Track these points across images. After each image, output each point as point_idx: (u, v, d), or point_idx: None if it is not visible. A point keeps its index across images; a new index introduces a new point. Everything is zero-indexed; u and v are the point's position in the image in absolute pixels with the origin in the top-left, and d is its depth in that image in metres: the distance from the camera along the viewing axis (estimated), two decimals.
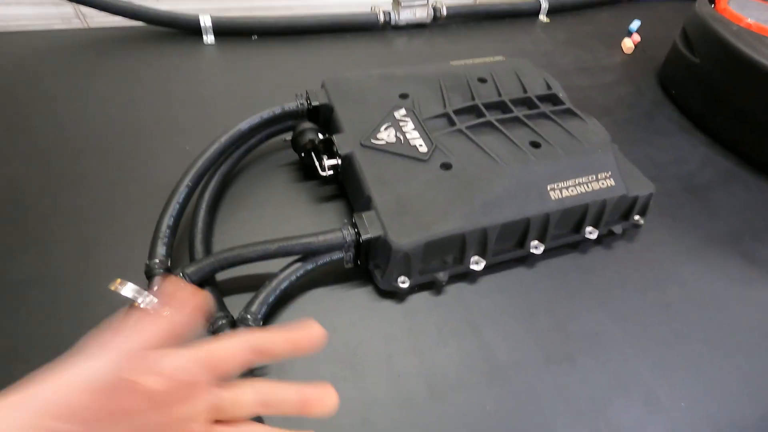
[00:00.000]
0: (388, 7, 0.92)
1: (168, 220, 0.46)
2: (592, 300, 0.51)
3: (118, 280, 0.39)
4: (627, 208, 0.54)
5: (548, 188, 0.50)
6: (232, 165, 0.56)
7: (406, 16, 0.92)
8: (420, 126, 0.55)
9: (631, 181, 0.54)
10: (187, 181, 0.49)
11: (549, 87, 0.62)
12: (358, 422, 0.40)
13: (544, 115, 0.57)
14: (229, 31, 0.82)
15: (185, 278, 0.42)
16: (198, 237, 0.49)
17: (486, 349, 0.46)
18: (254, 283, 0.46)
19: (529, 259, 0.53)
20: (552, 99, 0.61)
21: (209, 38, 0.82)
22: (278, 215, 0.55)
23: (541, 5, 1.03)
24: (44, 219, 0.51)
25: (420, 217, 0.46)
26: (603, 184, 0.52)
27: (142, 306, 0.39)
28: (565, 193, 0.50)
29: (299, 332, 0.26)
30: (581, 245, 0.55)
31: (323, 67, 0.79)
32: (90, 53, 0.76)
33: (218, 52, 0.80)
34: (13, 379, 0.40)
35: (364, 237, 0.44)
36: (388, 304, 0.48)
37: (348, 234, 0.45)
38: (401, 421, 0.40)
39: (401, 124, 0.55)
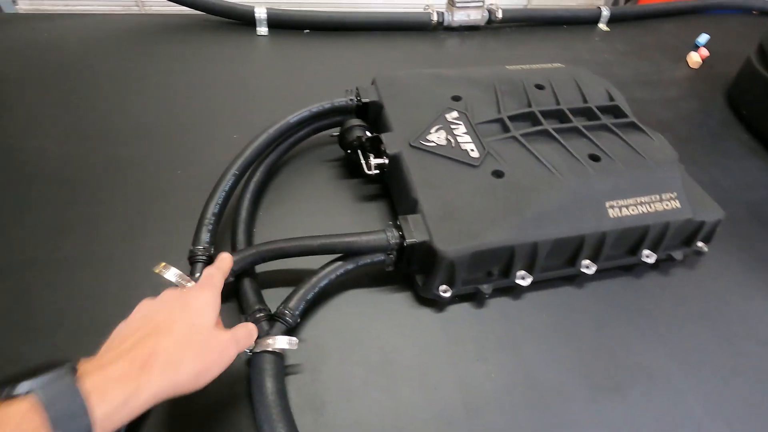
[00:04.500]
0: (442, 8, 0.90)
1: (213, 207, 0.46)
2: (645, 328, 0.47)
3: (162, 264, 0.39)
4: (691, 233, 0.50)
5: (607, 205, 0.47)
6: (277, 157, 0.56)
7: (459, 17, 0.89)
8: (472, 130, 0.53)
9: (697, 204, 0.50)
10: (234, 169, 0.49)
11: (611, 98, 0.59)
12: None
13: (605, 127, 0.54)
14: (282, 24, 0.83)
15: None
16: (240, 227, 0.48)
17: (527, 369, 0.43)
18: (292, 278, 0.46)
19: (578, 279, 0.50)
20: (614, 111, 0.57)
21: (262, 30, 0.82)
22: (319, 211, 0.54)
23: (601, 13, 0.99)
24: (93, 199, 0.52)
25: (468, 225, 0.44)
26: (667, 205, 0.48)
27: None
28: (624, 211, 0.47)
29: None
30: (636, 269, 0.52)
31: (373, 65, 0.78)
32: (146, 39, 0.78)
33: (270, 44, 0.80)
34: (58, 348, 0.40)
35: (408, 241, 0.43)
36: (426, 313, 0.46)
37: (392, 236, 0.43)
38: None
39: (453, 126, 0.53)
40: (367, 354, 0.43)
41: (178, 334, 0.30)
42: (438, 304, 0.47)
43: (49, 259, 0.46)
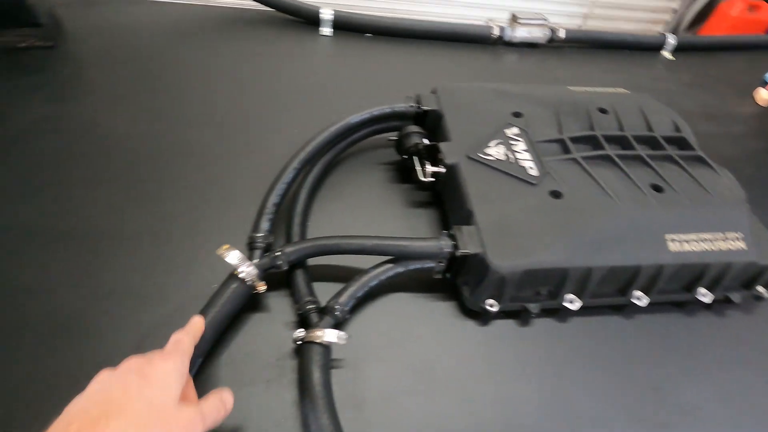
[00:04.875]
0: (504, 23, 0.90)
1: (274, 198, 0.48)
2: (694, 368, 0.46)
3: (226, 246, 0.41)
4: (752, 276, 0.48)
5: (667, 238, 0.46)
6: (335, 155, 0.58)
7: (521, 33, 0.89)
8: (532, 148, 0.52)
9: (763, 248, 0.48)
10: (296, 164, 0.51)
11: (677, 129, 0.57)
12: None
13: (669, 159, 0.53)
14: (346, 26, 0.85)
15: (283, 257, 0.43)
16: (296, 220, 0.50)
17: (568, 395, 0.42)
18: (338, 274, 0.47)
19: (627, 309, 0.49)
20: (680, 142, 0.56)
21: (326, 30, 0.84)
22: (371, 212, 0.55)
23: (666, 40, 0.97)
24: (160, 178, 0.55)
25: (522, 242, 0.44)
26: (731, 245, 0.46)
27: (242, 276, 0.41)
28: (686, 246, 0.45)
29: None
30: (689, 306, 0.50)
31: (431, 73, 0.79)
32: (219, 30, 0.81)
33: (333, 44, 0.83)
34: (123, 314, 0.42)
35: (461, 251, 0.43)
36: (470, 324, 0.46)
37: (445, 245, 0.44)
38: None
39: (512, 142, 0.53)
40: (409, 359, 0.43)
41: (132, 415, 0.27)
42: (482, 318, 0.46)
43: (116, 230, 0.49)
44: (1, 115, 0.58)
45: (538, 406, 0.41)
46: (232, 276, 0.41)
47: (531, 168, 0.50)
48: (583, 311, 0.47)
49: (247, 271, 0.41)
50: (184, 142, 0.59)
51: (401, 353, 0.43)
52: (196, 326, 0.36)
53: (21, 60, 0.67)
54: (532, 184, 0.49)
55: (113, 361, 0.34)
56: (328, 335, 0.39)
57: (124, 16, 0.80)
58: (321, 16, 0.83)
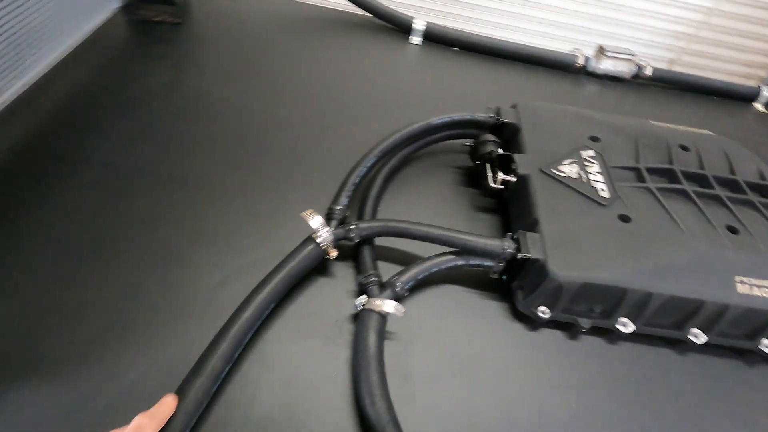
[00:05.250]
0: (590, 53, 0.91)
1: (354, 178, 0.52)
2: (747, 422, 0.44)
3: (310, 210, 0.46)
4: None
5: (737, 279, 0.45)
6: (411, 151, 0.61)
7: (606, 65, 0.90)
8: (606, 172, 0.53)
9: None
10: (377, 151, 0.55)
11: (763, 177, 0.56)
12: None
13: (750, 204, 0.52)
14: (435, 38, 0.89)
15: (356, 231, 0.47)
16: (369, 202, 0.54)
17: (604, 418, 0.42)
18: (400, 258, 0.50)
19: (682, 345, 0.48)
20: (763, 190, 0.55)
21: (416, 39, 0.89)
22: (436, 208, 0.58)
23: (760, 92, 0.93)
24: (257, 146, 0.61)
25: (584, 257, 0.45)
26: None
27: (319, 241, 0.45)
28: (755, 291, 0.45)
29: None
30: (749, 356, 0.49)
31: (510, 92, 0.82)
32: (319, 27, 0.89)
33: (420, 53, 0.87)
34: (212, 254, 0.48)
35: (522, 254, 0.45)
36: (518, 327, 0.48)
37: (508, 246, 0.46)
38: None
39: (586, 164, 0.54)
40: (455, 347, 0.45)
41: None
42: (531, 323, 0.48)
43: (216, 183, 0.55)
44: (134, 75, 0.68)
45: (570, 421, 0.42)
46: (310, 238, 0.45)
47: (603, 190, 0.51)
48: (635, 337, 0.47)
49: (324, 236, 0.45)
50: (280, 119, 0.66)
51: (449, 340, 0.46)
52: (166, 409, 0.33)
53: (154, 32, 0.77)
54: (602, 205, 0.50)
55: (199, 289, 0.39)
56: (388, 305, 0.42)
57: (243, 5, 0.89)
58: (414, 25, 0.89)
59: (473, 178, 0.62)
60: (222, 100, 0.67)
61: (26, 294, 0.43)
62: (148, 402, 0.33)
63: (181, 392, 0.35)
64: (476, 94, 0.79)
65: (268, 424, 0.38)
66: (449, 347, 0.45)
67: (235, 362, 0.39)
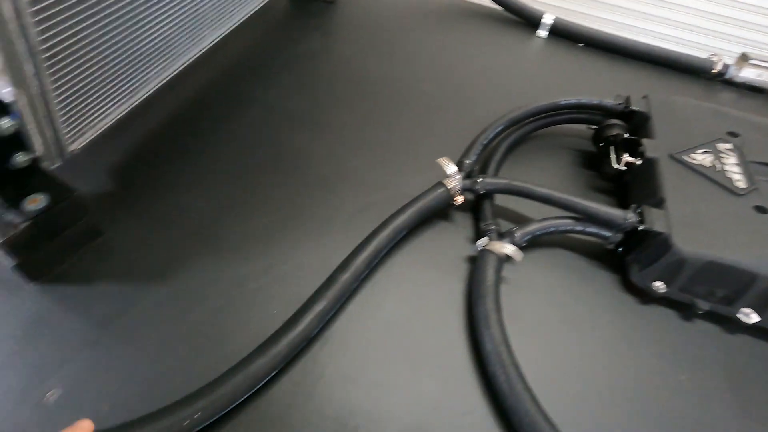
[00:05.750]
0: (730, 59, 0.86)
1: (483, 138, 0.57)
2: None
3: (446, 158, 0.51)
4: None
5: None
6: (535, 128, 0.64)
7: (747, 74, 0.84)
8: (744, 164, 0.52)
9: None
10: (505, 120, 0.59)
11: None
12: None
13: None
14: (562, 33, 0.91)
15: (482, 184, 0.51)
16: (493, 164, 0.58)
17: (711, 421, 0.41)
18: (514, 218, 0.54)
19: None
20: None
21: (543, 33, 0.92)
22: (552, 182, 0.60)
23: None
24: (394, 108, 0.69)
25: (712, 237, 0.45)
26: None
27: (448, 186, 0.50)
28: None
29: None
30: None
31: (637, 91, 0.80)
32: (449, 18, 0.95)
33: (545, 46, 0.90)
34: (352, 190, 0.55)
35: (645, 226, 0.46)
36: (627, 299, 0.49)
37: (631, 217, 0.47)
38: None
39: (722, 155, 0.54)
40: (562, 307, 0.47)
41: None
42: (643, 297, 0.48)
43: (356, 135, 0.63)
44: (295, 41, 0.79)
45: (666, 405, 0.41)
46: (440, 183, 0.51)
47: (738, 180, 0.50)
48: (756, 332, 0.46)
49: (455, 182, 0.50)
50: (412, 89, 0.73)
51: (558, 297, 0.48)
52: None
53: (310, 7, 0.89)
54: (736, 194, 0.49)
55: (342, 212, 0.47)
56: (507, 249, 0.46)
57: None
58: (543, 20, 0.91)
59: (592, 161, 0.64)
60: (363, 68, 0.75)
61: (213, 192, 0.53)
62: (296, 285, 0.41)
63: (330, 281, 0.42)
64: (600, 90, 0.79)
65: (391, 327, 0.43)
66: (558, 303, 0.47)
67: (370, 271, 0.46)
